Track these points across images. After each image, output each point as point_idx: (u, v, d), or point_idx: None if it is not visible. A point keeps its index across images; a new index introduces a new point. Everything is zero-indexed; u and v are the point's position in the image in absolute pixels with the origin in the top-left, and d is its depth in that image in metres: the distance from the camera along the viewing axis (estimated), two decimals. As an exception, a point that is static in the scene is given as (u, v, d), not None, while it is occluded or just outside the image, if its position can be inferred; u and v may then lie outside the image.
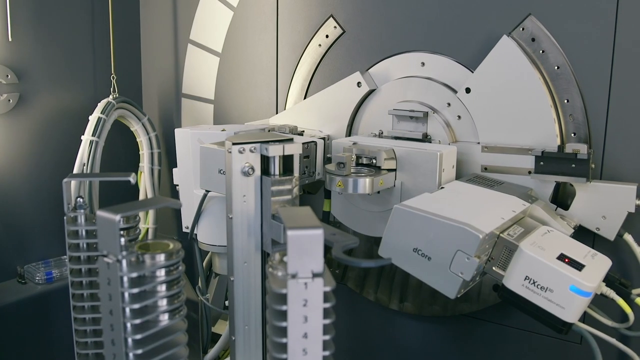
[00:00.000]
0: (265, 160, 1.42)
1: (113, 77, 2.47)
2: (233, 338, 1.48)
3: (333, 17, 2.18)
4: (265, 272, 1.47)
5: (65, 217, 1.37)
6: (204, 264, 2.20)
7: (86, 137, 2.32)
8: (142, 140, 2.59)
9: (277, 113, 2.37)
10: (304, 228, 0.98)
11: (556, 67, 1.76)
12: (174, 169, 2.11)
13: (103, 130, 2.35)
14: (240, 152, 1.38)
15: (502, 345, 2.02)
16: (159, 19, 2.70)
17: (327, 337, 1.04)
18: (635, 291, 1.58)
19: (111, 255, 1.10)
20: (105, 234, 1.09)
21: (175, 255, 1.17)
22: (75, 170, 2.29)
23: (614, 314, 1.66)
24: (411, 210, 1.46)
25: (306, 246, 0.98)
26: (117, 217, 1.05)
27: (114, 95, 2.47)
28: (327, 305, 1.03)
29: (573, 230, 1.66)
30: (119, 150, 2.62)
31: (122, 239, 1.09)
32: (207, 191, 1.88)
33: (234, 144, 1.37)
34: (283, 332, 1.02)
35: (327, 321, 1.04)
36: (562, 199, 1.78)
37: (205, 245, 1.98)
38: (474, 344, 2.09)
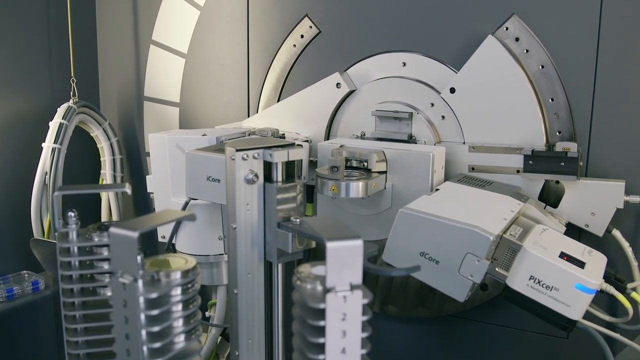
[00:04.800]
0: (266, 167, 1.36)
1: (73, 81, 2.32)
2: (237, 353, 1.41)
3: (308, 17, 2.13)
4: (268, 283, 1.43)
5: (56, 234, 1.27)
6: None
7: (47, 145, 2.18)
8: (103, 146, 2.47)
9: (249, 116, 2.30)
10: (344, 239, 0.94)
11: (541, 67, 1.78)
12: (147, 176, 2.01)
13: (65, 137, 2.21)
14: (244, 158, 1.31)
15: (489, 344, 2.03)
16: (118, 18, 2.57)
17: (364, 352, 1.00)
18: (629, 285, 1.61)
19: (127, 275, 1.01)
20: (121, 252, 1.01)
21: (192, 273, 1.10)
22: (36, 180, 2.16)
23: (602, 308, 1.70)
24: (417, 214, 1.44)
25: (346, 258, 0.94)
26: (137, 234, 0.97)
27: (75, 100, 2.33)
28: (365, 318, 0.99)
29: (565, 228, 1.68)
30: (78, 157, 2.47)
31: (139, 257, 1.01)
32: (190, 199, 1.79)
33: (237, 150, 1.30)
34: (320, 348, 0.97)
35: (365, 334, 0.99)
36: (546, 196, 1.81)
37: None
38: (460, 344, 2.09)
